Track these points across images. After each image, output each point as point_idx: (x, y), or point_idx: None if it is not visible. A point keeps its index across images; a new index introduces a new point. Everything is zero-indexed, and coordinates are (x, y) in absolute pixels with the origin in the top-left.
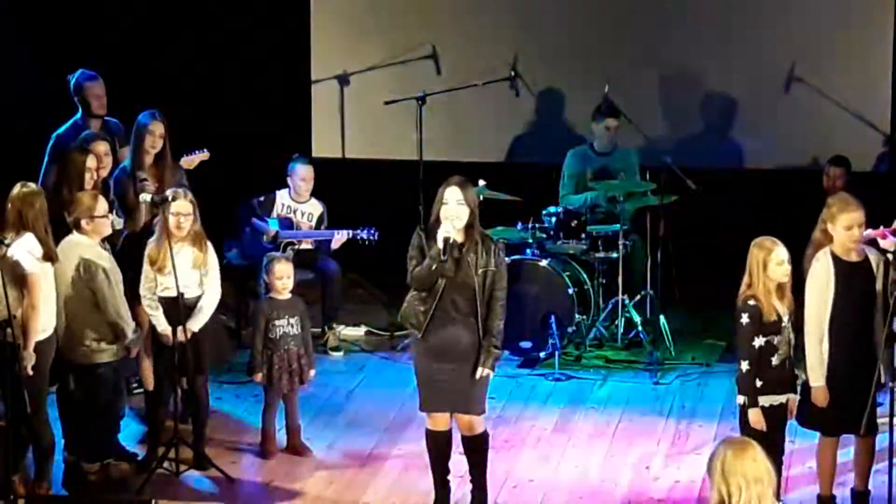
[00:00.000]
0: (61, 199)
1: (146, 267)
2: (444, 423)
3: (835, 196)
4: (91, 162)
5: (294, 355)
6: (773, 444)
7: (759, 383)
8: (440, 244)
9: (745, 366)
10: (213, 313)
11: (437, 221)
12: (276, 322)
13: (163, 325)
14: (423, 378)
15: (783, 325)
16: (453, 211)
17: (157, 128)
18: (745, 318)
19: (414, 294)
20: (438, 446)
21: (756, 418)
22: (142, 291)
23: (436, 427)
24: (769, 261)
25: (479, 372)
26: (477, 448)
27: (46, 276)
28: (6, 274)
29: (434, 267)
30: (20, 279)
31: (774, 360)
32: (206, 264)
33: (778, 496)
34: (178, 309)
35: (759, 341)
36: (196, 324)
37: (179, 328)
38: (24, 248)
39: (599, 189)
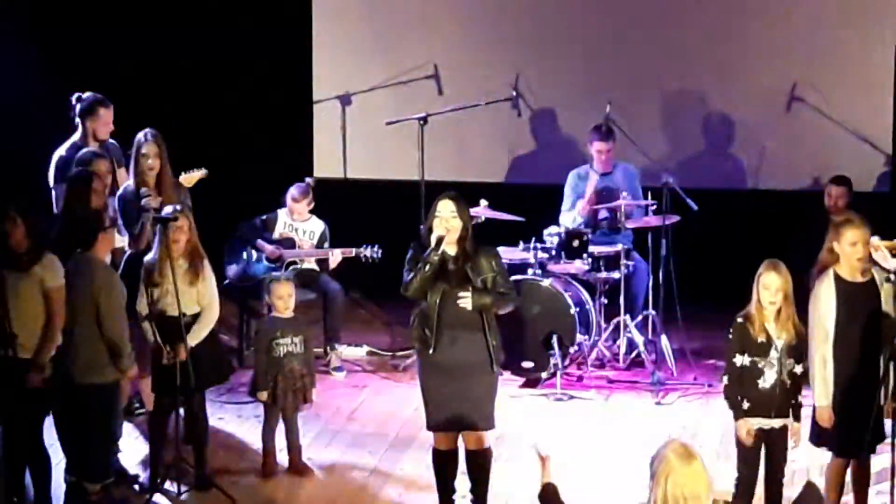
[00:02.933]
0: (69, 223)
1: (143, 286)
2: (452, 442)
3: (840, 214)
4: (96, 184)
5: (297, 374)
6: (770, 468)
7: (745, 405)
8: (433, 242)
9: (725, 380)
10: (210, 331)
11: (431, 233)
12: (280, 341)
13: (158, 342)
14: (430, 396)
15: (774, 348)
16: (446, 224)
17: (151, 149)
18: (729, 334)
19: (417, 312)
20: (446, 466)
21: (741, 430)
22: (138, 308)
23: (442, 446)
24: (759, 283)
25: (462, 295)
26: (482, 464)
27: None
28: (31, 290)
29: (427, 266)
30: (46, 295)
31: (761, 384)
32: (204, 281)
33: None
34: (173, 326)
35: (741, 360)
36: (194, 339)
37: (180, 345)
38: (50, 264)
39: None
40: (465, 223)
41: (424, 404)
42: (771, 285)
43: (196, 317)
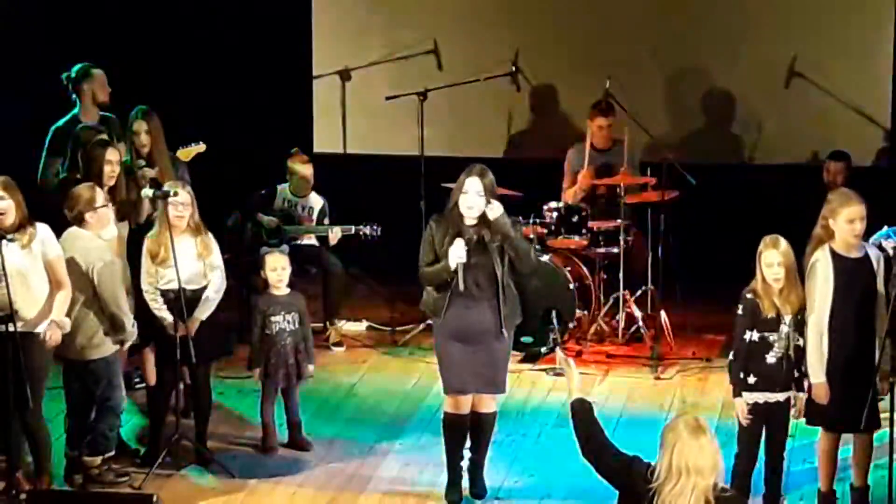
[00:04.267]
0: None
1: (146, 261)
2: (466, 406)
3: (835, 191)
4: (112, 155)
5: (291, 351)
6: (771, 442)
7: (752, 379)
8: (452, 265)
9: (731, 356)
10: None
11: (456, 207)
12: (273, 318)
13: (168, 319)
14: (446, 361)
15: (783, 323)
16: (472, 201)
17: (141, 126)
18: (739, 310)
19: None
20: (458, 430)
21: (740, 408)
22: (143, 286)
23: (457, 410)
24: (762, 260)
25: (490, 206)
26: (486, 427)
27: (35, 268)
28: (35, 265)
29: (443, 277)
30: (48, 266)
31: (769, 358)
32: (210, 254)
33: (748, 488)
34: (178, 301)
35: (751, 335)
36: (203, 313)
37: (190, 319)
38: (47, 235)
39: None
40: (490, 200)
41: (440, 368)
42: (773, 262)
43: (202, 290)
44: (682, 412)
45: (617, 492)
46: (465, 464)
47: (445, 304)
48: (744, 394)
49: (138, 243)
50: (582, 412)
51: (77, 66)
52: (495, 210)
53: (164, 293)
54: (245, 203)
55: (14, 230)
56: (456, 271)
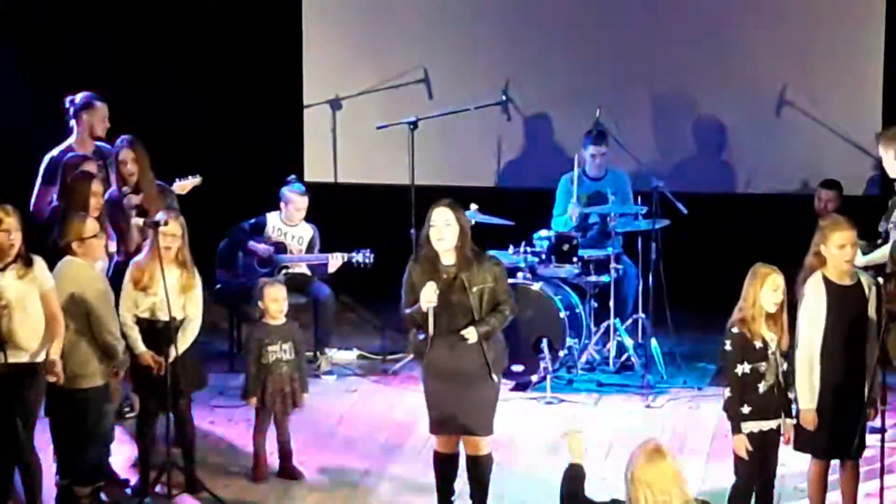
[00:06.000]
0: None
1: (128, 285)
2: (453, 446)
3: (826, 217)
4: (96, 186)
5: (287, 379)
6: (764, 468)
7: (746, 409)
8: (424, 308)
9: (727, 392)
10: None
11: (428, 243)
12: (270, 348)
13: (138, 345)
14: (432, 401)
15: (770, 351)
16: (441, 232)
17: (128, 155)
18: (728, 346)
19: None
20: (446, 469)
21: (739, 445)
22: (121, 311)
23: (444, 449)
24: (764, 285)
25: (465, 332)
26: (481, 469)
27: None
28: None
29: (418, 320)
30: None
31: (761, 387)
32: (191, 289)
33: None
34: (157, 332)
35: (742, 368)
36: (182, 346)
37: (169, 349)
38: (43, 267)
39: (590, 211)
40: (463, 229)
41: (427, 408)
42: (780, 285)
43: (179, 323)
44: (644, 441)
45: None
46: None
47: (428, 347)
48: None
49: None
50: (575, 477)
51: (81, 95)
52: (472, 334)
53: (139, 321)
54: (234, 233)
55: (16, 259)
56: (427, 315)
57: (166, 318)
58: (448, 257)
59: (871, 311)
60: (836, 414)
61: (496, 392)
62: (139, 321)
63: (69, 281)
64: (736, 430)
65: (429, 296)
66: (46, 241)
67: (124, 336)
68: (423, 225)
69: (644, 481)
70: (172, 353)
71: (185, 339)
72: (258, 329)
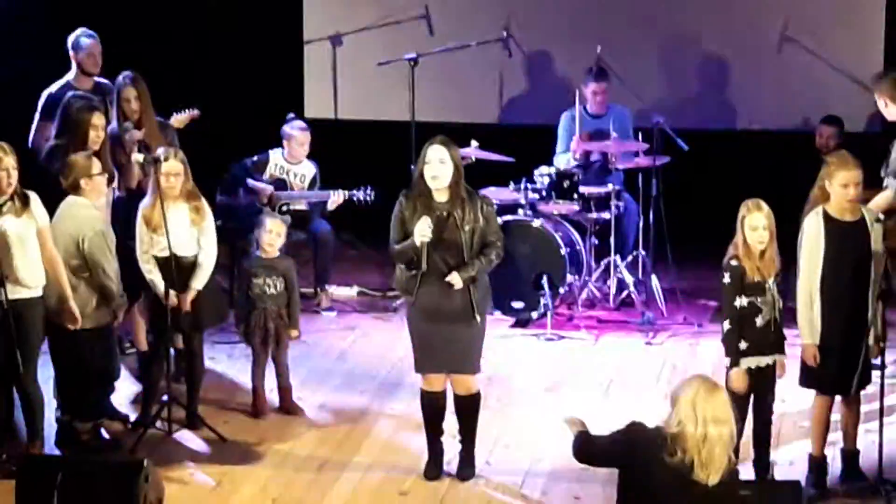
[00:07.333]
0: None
1: (141, 228)
2: (439, 384)
3: (835, 154)
4: (97, 119)
5: (271, 315)
6: (761, 406)
7: (743, 345)
8: (417, 243)
9: (727, 325)
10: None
11: (422, 180)
12: (255, 280)
13: (160, 287)
14: (418, 340)
15: (767, 286)
16: (435, 170)
17: (130, 92)
18: (726, 278)
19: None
20: (433, 407)
21: (736, 378)
22: (138, 253)
23: (431, 388)
24: (745, 224)
25: (450, 278)
26: (469, 408)
27: (31, 234)
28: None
29: (410, 255)
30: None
31: (759, 322)
32: (203, 221)
33: (737, 452)
34: (177, 269)
35: (740, 301)
36: (199, 283)
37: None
38: (38, 203)
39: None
40: (457, 167)
41: (413, 347)
42: (758, 225)
43: (195, 257)
44: (695, 375)
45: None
46: (454, 444)
47: (417, 284)
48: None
49: (127, 209)
50: (584, 434)
51: (76, 32)
52: (456, 280)
53: (157, 260)
54: (236, 169)
55: (12, 197)
56: (421, 249)
57: (183, 255)
58: (441, 195)
59: (876, 244)
60: (840, 350)
61: (481, 331)
62: (157, 260)
63: (69, 220)
64: (734, 363)
65: (423, 230)
66: (45, 179)
67: (144, 278)
68: (417, 162)
69: (705, 410)
70: (189, 293)
71: (203, 273)
72: (247, 260)
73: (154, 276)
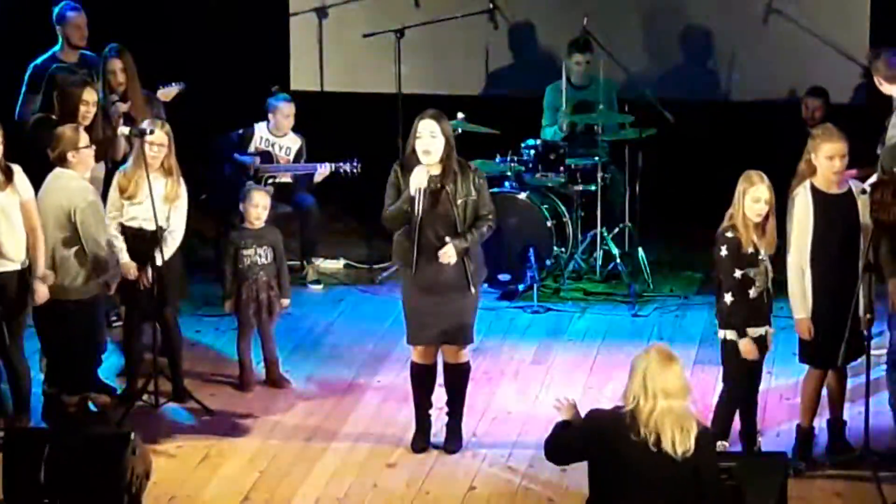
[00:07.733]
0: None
1: (114, 193)
2: (430, 357)
3: (820, 126)
4: (88, 94)
5: (263, 285)
6: (752, 376)
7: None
8: (412, 191)
9: (728, 297)
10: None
11: (413, 154)
12: (245, 252)
13: (124, 256)
14: (411, 312)
15: (760, 258)
16: (427, 144)
17: (116, 64)
18: (723, 251)
19: (399, 231)
20: (422, 379)
21: (747, 348)
22: (106, 220)
23: (421, 360)
24: (747, 196)
25: (442, 253)
26: (459, 378)
27: (15, 206)
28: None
29: (404, 210)
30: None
31: (752, 293)
32: (177, 199)
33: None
34: (143, 241)
35: (737, 273)
36: (165, 255)
37: (152, 259)
38: (22, 176)
39: (578, 120)
40: (448, 140)
41: (405, 319)
42: (761, 197)
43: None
44: (652, 343)
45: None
46: (441, 416)
47: (415, 254)
48: (729, 331)
49: (111, 181)
50: (563, 430)
51: (61, 4)
52: (450, 255)
53: (124, 228)
54: (222, 141)
55: None
56: (415, 199)
57: (152, 228)
58: (434, 168)
59: (864, 217)
60: (832, 323)
61: (476, 302)
62: (124, 230)
63: (59, 192)
64: (742, 334)
65: (419, 178)
66: (31, 151)
67: (109, 244)
68: (409, 136)
69: (654, 378)
70: (158, 262)
71: (168, 249)
72: (234, 233)
73: (119, 242)
